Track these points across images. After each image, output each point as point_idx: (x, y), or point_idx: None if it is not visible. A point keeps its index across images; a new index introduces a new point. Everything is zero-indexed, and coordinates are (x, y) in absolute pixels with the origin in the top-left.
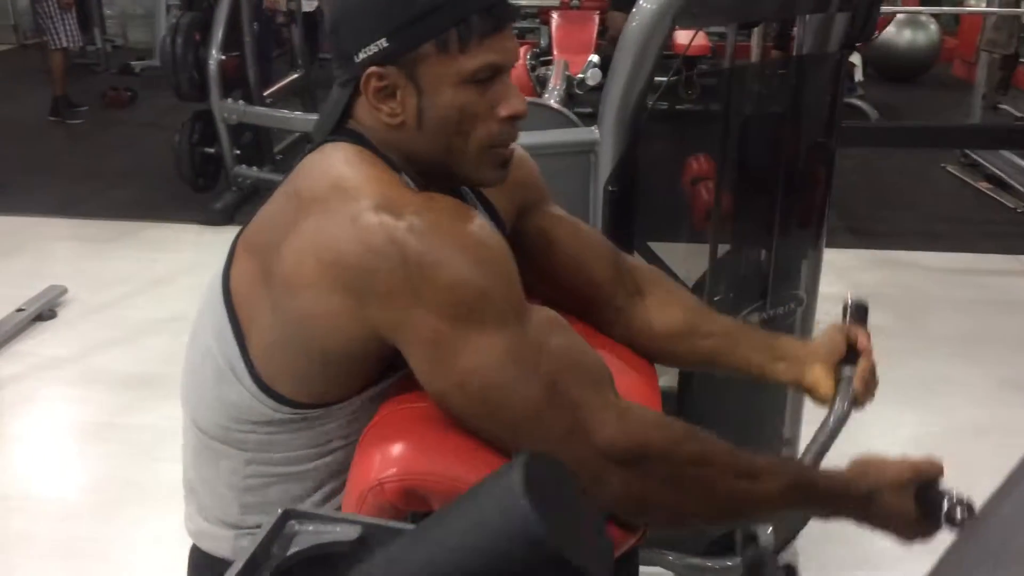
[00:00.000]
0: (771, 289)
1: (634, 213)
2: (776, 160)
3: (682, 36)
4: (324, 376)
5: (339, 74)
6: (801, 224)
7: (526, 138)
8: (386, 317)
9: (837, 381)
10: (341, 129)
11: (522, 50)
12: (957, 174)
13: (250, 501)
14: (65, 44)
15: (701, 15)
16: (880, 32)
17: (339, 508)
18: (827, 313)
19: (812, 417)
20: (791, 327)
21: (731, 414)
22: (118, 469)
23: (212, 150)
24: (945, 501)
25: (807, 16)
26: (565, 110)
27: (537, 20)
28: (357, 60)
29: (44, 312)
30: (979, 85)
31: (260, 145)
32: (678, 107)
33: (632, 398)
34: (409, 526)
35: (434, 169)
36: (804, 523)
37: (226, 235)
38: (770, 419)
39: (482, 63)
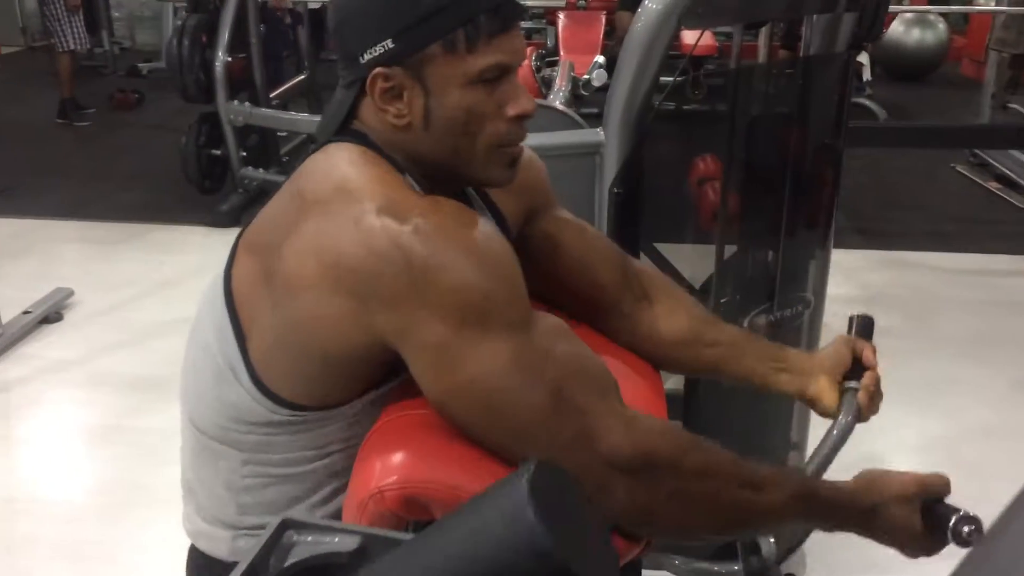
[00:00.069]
0: (778, 291)
1: (640, 215)
2: (783, 161)
3: (689, 36)
4: (324, 379)
5: (343, 75)
6: (808, 225)
7: (531, 139)
8: (389, 322)
9: (842, 394)
10: (345, 130)
11: (528, 51)
12: (966, 174)
13: (247, 502)
14: (73, 46)
15: (707, 15)
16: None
17: (338, 511)
18: (835, 315)
19: (819, 421)
20: (798, 329)
21: (738, 418)
22: (125, 471)
23: (218, 152)
24: (953, 517)
25: (814, 16)
26: (570, 111)
27: (544, 20)
28: (362, 61)
29: (50, 314)
30: (988, 84)
31: (266, 147)
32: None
33: (637, 404)
34: (409, 536)
35: (440, 170)
36: (806, 535)
37: (233, 237)
38: (777, 423)
39: (490, 63)
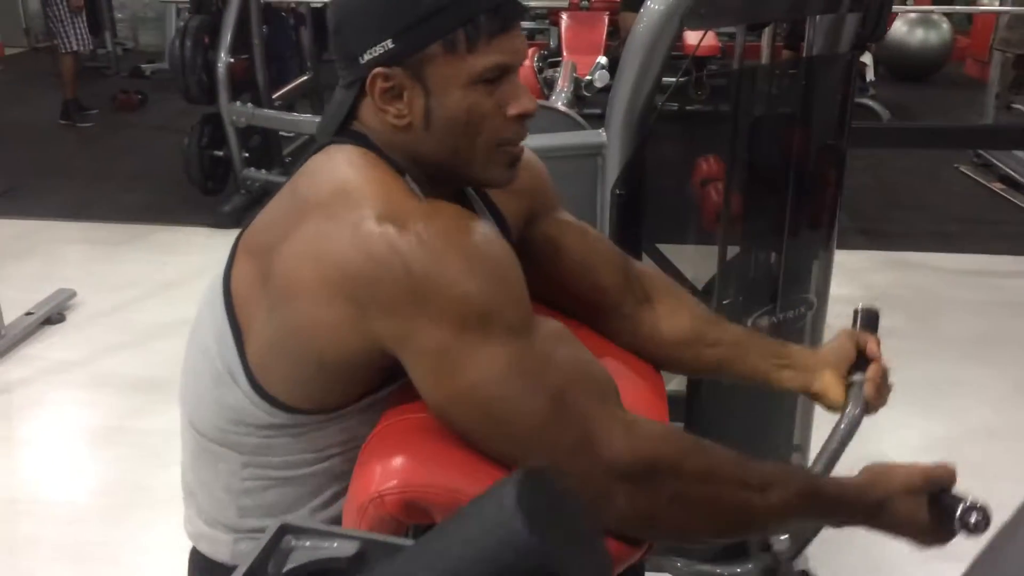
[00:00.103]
0: (781, 292)
1: (642, 216)
2: (786, 161)
3: (691, 36)
4: (321, 383)
5: (343, 75)
6: (812, 226)
7: (532, 141)
8: (388, 328)
9: (848, 388)
10: (345, 131)
11: (529, 51)
12: (970, 175)
13: (248, 504)
14: (75, 47)
15: (709, 16)
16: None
17: (339, 515)
18: (838, 316)
19: (822, 423)
20: (801, 330)
21: (740, 420)
22: (127, 473)
23: (221, 153)
24: (959, 506)
25: (817, 16)
26: (572, 112)
27: (547, 21)
28: (362, 61)
29: (53, 316)
30: (992, 84)
31: (269, 148)
32: (688, 108)
33: (639, 407)
34: (407, 541)
35: (440, 171)
36: (816, 531)
37: (235, 238)
38: (780, 425)
39: (491, 64)
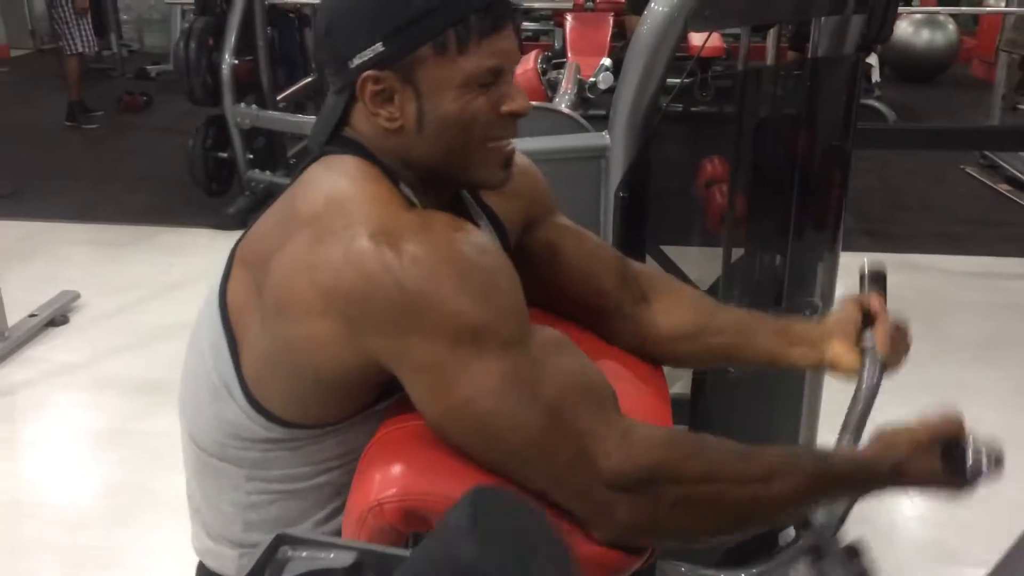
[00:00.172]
0: (786, 294)
1: (646, 218)
2: (791, 163)
3: (696, 38)
4: (318, 398)
5: (333, 81)
6: (817, 227)
7: (536, 143)
8: (382, 346)
9: (862, 353)
10: (338, 138)
11: (533, 53)
12: (976, 176)
13: (253, 519)
14: (81, 49)
15: (714, 17)
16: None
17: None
18: None
19: (829, 420)
20: None
21: (745, 421)
22: (131, 475)
23: (225, 155)
24: (969, 458)
25: (822, 18)
26: (575, 115)
27: (551, 22)
28: (352, 65)
29: (56, 317)
30: (998, 85)
31: (273, 149)
32: (692, 109)
33: (640, 411)
34: (404, 552)
35: (434, 174)
36: (851, 503)
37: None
38: (786, 424)
39: (482, 68)
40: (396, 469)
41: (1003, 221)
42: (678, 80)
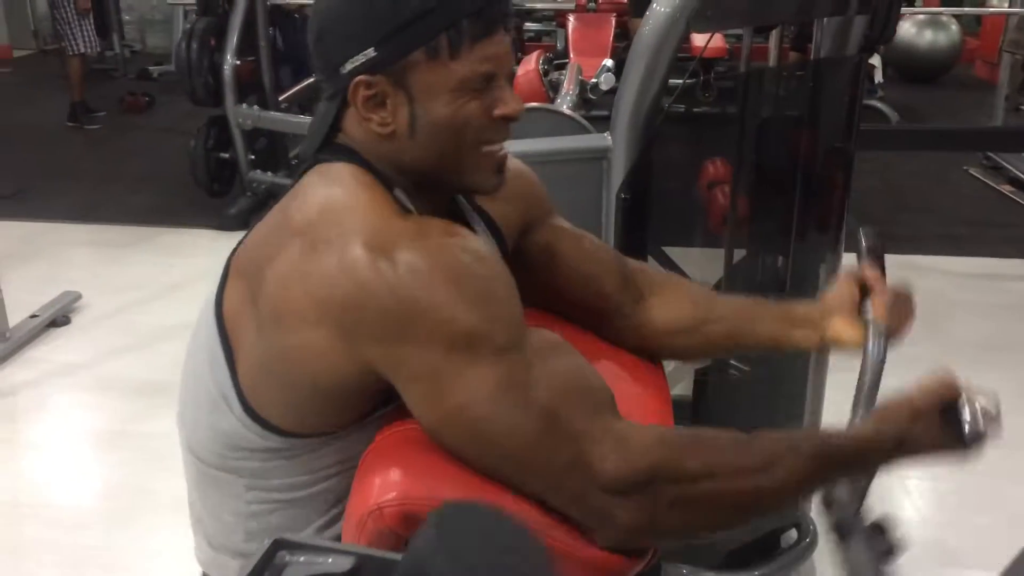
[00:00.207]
0: (788, 296)
1: (648, 219)
2: (794, 164)
3: (698, 38)
4: (315, 407)
5: (325, 87)
6: (819, 228)
7: (537, 145)
8: (377, 353)
9: (864, 326)
10: (331, 144)
11: (535, 54)
12: (979, 177)
13: (254, 528)
14: (83, 50)
15: (716, 18)
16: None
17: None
18: None
19: (832, 418)
20: None
21: (747, 421)
22: (132, 476)
23: (227, 155)
24: (965, 418)
25: (825, 19)
26: (576, 116)
27: (553, 23)
28: (344, 71)
29: (58, 318)
30: (1002, 86)
31: (275, 150)
32: (694, 110)
33: (640, 411)
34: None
35: (427, 179)
36: (869, 479)
37: None
38: (788, 425)
39: (475, 73)
40: (395, 473)
41: (1006, 222)
42: (680, 81)
